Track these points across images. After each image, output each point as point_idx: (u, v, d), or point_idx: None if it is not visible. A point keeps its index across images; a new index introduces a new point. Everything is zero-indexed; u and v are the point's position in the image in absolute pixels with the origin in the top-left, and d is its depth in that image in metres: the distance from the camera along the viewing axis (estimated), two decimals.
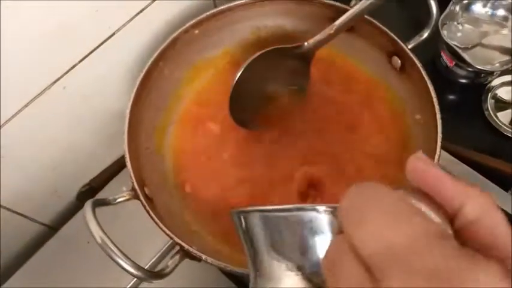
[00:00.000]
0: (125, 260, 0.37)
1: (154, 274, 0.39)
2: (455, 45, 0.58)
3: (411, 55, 0.48)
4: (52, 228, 0.59)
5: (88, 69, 0.50)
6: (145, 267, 0.38)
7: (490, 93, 0.61)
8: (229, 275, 0.52)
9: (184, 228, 0.47)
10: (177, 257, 0.41)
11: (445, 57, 0.61)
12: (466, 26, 0.59)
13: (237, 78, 0.49)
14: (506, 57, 0.57)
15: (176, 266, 0.41)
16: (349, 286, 0.17)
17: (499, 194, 0.52)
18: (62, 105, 0.51)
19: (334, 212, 0.20)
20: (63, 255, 0.54)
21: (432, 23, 0.50)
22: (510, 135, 0.58)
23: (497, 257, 0.16)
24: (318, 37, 0.49)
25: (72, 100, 0.51)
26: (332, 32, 0.48)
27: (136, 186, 0.43)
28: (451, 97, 0.63)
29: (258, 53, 0.49)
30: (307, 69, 0.52)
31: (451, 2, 0.59)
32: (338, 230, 0.20)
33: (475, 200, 0.18)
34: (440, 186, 0.18)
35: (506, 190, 0.53)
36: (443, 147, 0.44)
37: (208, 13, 0.52)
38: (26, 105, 0.47)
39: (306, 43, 0.49)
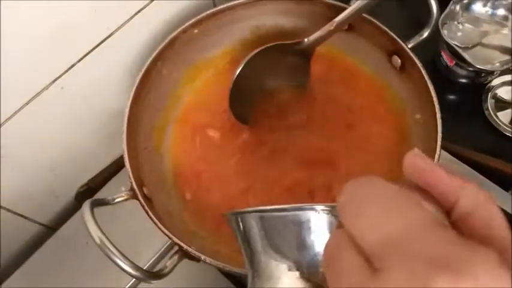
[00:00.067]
0: (124, 260, 0.37)
1: (152, 274, 0.39)
2: (455, 44, 0.58)
3: (411, 54, 0.48)
4: (50, 229, 0.59)
5: (86, 69, 0.50)
6: (144, 268, 0.38)
7: (490, 93, 0.60)
8: (228, 275, 0.52)
9: (183, 228, 0.46)
10: (176, 257, 0.41)
11: (445, 57, 0.61)
12: (466, 25, 0.59)
13: (237, 73, 0.49)
14: (507, 57, 0.57)
15: (175, 266, 0.41)
16: (349, 277, 0.17)
17: (499, 194, 0.52)
18: (60, 105, 0.51)
19: (332, 212, 0.20)
20: (62, 255, 0.54)
21: (432, 23, 0.49)
22: (510, 135, 0.58)
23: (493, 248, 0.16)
24: (318, 33, 0.49)
25: (70, 100, 0.51)
26: (332, 28, 0.48)
27: (135, 186, 0.43)
28: (451, 97, 0.63)
29: (258, 49, 0.49)
30: (308, 66, 0.52)
31: (451, 2, 0.58)
32: (337, 227, 0.20)
33: (471, 193, 0.18)
34: (437, 181, 0.18)
35: (507, 190, 0.53)
36: (443, 147, 0.44)
37: (207, 12, 0.52)
38: (24, 105, 0.46)
39: (306, 39, 0.49)
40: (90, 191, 0.60)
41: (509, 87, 0.61)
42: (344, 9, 0.48)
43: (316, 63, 0.52)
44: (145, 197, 0.43)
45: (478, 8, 0.60)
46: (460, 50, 0.57)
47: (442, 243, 0.16)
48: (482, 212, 0.18)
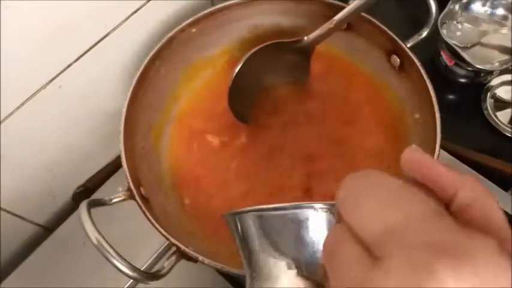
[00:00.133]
0: (121, 261, 0.36)
1: (150, 275, 0.39)
2: (454, 44, 0.57)
3: (410, 54, 0.48)
4: (47, 229, 0.59)
5: (83, 68, 0.49)
6: (142, 268, 0.38)
7: (489, 93, 0.60)
8: (226, 276, 0.51)
9: (181, 228, 0.46)
10: (174, 257, 0.41)
11: (445, 57, 0.61)
12: (466, 25, 0.59)
13: (236, 71, 0.49)
14: (506, 57, 0.57)
15: (173, 266, 0.41)
16: (350, 268, 0.17)
17: (499, 194, 0.52)
18: (58, 104, 0.50)
19: (331, 210, 0.20)
20: (59, 256, 0.54)
21: (431, 22, 0.49)
22: (509, 135, 0.58)
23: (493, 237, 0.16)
24: (318, 32, 0.49)
25: (67, 100, 0.51)
26: (332, 26, 0.48)
27: (132, 186, 0.42)
28: (451, 96, 0.63)
29: (258, 47, 0.49)
30: (307, 64, 0.52)
31: (450, 1, 0.58)
32: (336, 224, 0.20)
33: (470, 186, 0.18)
34: (435, 174, 0.19)
35: (506, 190, 0.53)
36: (442, 147, 0.43)
37: (205, 11, 0.52)
38: (21, 105, 0.46)
39: (305, 37, 0.49)
40: (87, 192, 0.59)
41: (509, 87, 0.61)
42: (343, 8, 0.48)
43: (315, 62, 0.52)
44: (142, 197, 0.43)
45: (477, 7, 0.59)
46: (459, 50, 0.57)
47: (441, 230, 0.16)
48: (481, 204, 0.18)
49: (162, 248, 0.52)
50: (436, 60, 0.63)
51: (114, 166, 0.59)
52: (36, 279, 0.53)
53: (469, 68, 0.59)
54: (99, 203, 0.41)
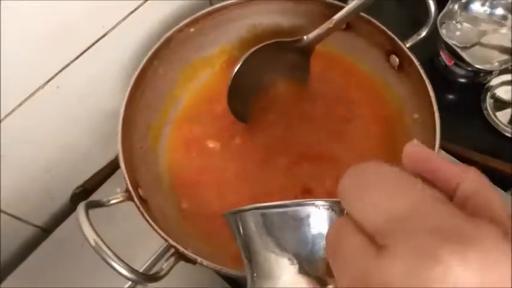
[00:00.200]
0: (119, 263, 0.36)
1: (148, 277, 0.39)
2: (454, 44, 0.57)
3: (409, 54, 0.48)
4: (45, 231, 0.59)
5: (82, 68, 0.49)
6: (140, 270, 0.38)
7: (488, 93, 0.60)
8: (225, 277, 0.51)
9: (180, 230, 0.46)
10: (172, 259, 0.41)
11: (444, 56, 0.60)
12: (465, 24, 0.59)
13: (235, 71, 0.49)
14: (505, 57, 0.57)
15: (171, 268, 0.40)
16: (355, 259, 0.17)
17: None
18: (56, 104, 0.50)
19: (332, 207, 0.20)
20: (57, 258, 0.54)
21: (430, 22, 0.49)
22: (509, 135, 0.58)
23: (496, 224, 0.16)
24: (318, 31, 0.49)
25: (66, 99, 0.51)
26: (331, 26, 0.48)
27: (130, 188, 0.42)
28: (450, 96, 0.63)
29: (257, 46, 0.49)
30: (307, 64, 0.52)
31: (450, 1, 0.58)
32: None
33: (472, 177, 0.18)
34: (437, 168, 0.19)
35: (506, 190, 0.53)
36: (441, 147, 0.43)
37: (204, 11, 0.51)
38: (20, 104, 0.46)
39: (305, 37, 0.49)
40: (85, 193, 0.59)
41: (508, 87, 0.61)
42: (341, 7, 0.47)
43: (314, 62, 0.52)
44: (140, 198, 0.43)
45: (476, 7, 0.59)
46: (458, 50, 0.57)
47: (446, 217, 0.16)
48: (483, 195, 0.18)
49: (161, 249, 0.52)
50: (436, 60, 0.63)
51: (112, 167, 0.59)
52: (34, 281, 0.52)
53: (469, 68, 0.59)
54: (97, 204, 0.41)
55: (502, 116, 0.59)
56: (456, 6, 0.59)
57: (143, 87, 0.50)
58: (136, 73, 0.48)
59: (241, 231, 0.23)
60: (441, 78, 0.62)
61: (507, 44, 0.57)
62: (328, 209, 0.20)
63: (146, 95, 0.50)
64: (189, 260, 0.40)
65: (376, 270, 0.16)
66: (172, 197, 0.49)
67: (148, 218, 0.41)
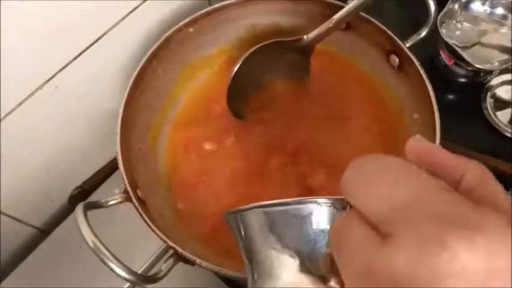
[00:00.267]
0: (118, 264, 0.36)
1: (147, 278, 0.39)
2: (454, 43, 0.57)
3: (409, 54, 0.48)
4: (44, 232, 0.58)
5: (81, 68, 0.49)
6: (139, 271, 0.38)
7: (489, 92, 0.60)
8: (224, 278, 0.51)
9: (178, 231, 0.46)
10: (171, 260, 0.41)
11: (444, 56, 0.60)
12: (465, 24, 0.59)
13: (235, 70, 0.49)
14: (506, 56, 0.57)
15: (170, 269, 0.40)
16: (359, 249, 0.17)
17: None
18: (55, 104, 0.50)
19: (335, 204, 0.20)
20: (55, 259, 0.53)
21: (431, 22, 0.49)
22: (509, 135, 0.58)
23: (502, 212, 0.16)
24: (317, 30, 0.49)
25: (64, 100, 0.51)
26: (331, 25, 0.48)
27: (128, 189, 0.42)
28: (450, 96, 0.63)
29: (257, 46, 0.49)
30: (307, 63, 0.52)
31: (450, 0, 0.58)
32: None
33: (476, 169, 0.18)
34: (441, 160, 0.19)
35: (506, 190, 0.52)
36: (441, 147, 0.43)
37: (203, 11, 0.51)
38: (19, 104, 0.46)
39: (305, 36, 0.49)
40: (84, 193, 0.59)
41: (508, 87, 0.61)
42: (341, 7, 0.47)
43: (314, 62, 0.52)
44: (139, 199, 0.43)
45: (476, 6, 0.59)
46: (458, 49, 0.57)
47: (451, 204, 0.16)
48: (487, 186, 0.18)
49: (159, 250, 0.52)
50: (436, 60, 0.63)
51: (111, 168, 0.59)
52: (32, 282, 0.52)
53: (469, 68, 0.59)
54: (96, 205, 0.41)
55: (502, 116, 0.59)
56: (456, 6, 0.59)
57: (142, 87, 0.49)
58: (135, 73, 0.48)
59: (242, 230, 0.23)
60: (441, 78, 0.62)
61: (507, 44, 0.57)
62: (330, 206, 0.20)
63: (145, 95, 0.50)
64: (187, 261, 0.40)
65: (382, 259, 0.15)
66: (170, 198, 0.49)
67: (147, 219, 0.41)
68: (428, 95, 0.45)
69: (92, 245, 0.36)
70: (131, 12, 0.50)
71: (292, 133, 0.52)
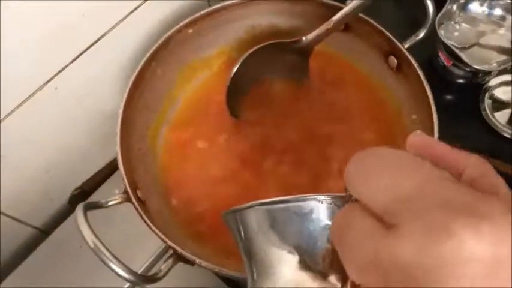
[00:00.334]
0: (118, 264, 0.36)
1: (147, 278, 0.39)
2: (452, 44, 0.57)
3: (408, 55, 0.48)
4: (44, 232, 0.58)
5: (80, 69, 0.49)
6: (139, 271, 0.38)
7: (487, 93, 0.60)
8: (224, 278, 0.51)
9: (178, 231, 0.46)
10: (171, 260, 0.41)
11: (442, 57, 0.60)
12: (463, 25, 0.59)
13: (234, 71, 0.49)
14: (504, 57, 0.57)
15: (170, 269, 0.40)
16: (364, 242, 0.16)
17: None
18: (55, 105, 0.50)
19: (335, 201, 0.20)
20: (55, 259, 0.53)
21: (429, 23, 0.49)
22: (507, 136, 0.58)
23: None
24: (316, 32, 0.49)
25: (64, 101, 0.51)
26: (330, 26, 0.48)
27: (128, 189, 0.42)
28: (448, 97, 0.63)
29: (256, 47, 0.49)
30: (306, 65, 0.52)
31: (448, 1, 0.58)
32: None
33: (478, 162, 0.18)
34: (442, 154, 0.19)
35: None
36: None
37: (202, 12, 0.51)
38: (19, 105, 0.46)
39: (304, 38, 0.49)
40: (83, 194, 0.59)
41: (507, 88, 0.61)
42: (340, 8, 0.48)
43: (313, 63, 0.52)
44: (139, 200, 0.43)
45: (474, 7, 0.59)
46: (457, 50, 0.57)
47: (456, 193, 0.16)
48: (489, 178, 0.18)
49: (159, 250, 0.52)
50: (434, 61, 0.63)
51: (110, 168, 0.59)
52: (33, 281, 0.52)
53: (467, 69, 0.59)
54: (96, 205, 0.41)
55: (501, 117, 0.59)
56: (455, 7, 0.59)
57: (142, 88, 0.50)
58: (135, 74, 0.48)
59: (242, 229, 0.23)
60: (439, 79, 0.62)
61: (505, 45, 0.57)
62: (330, 203, 0.20)
63: (145, 96, 0.50)
64: (187, 261, 0.40)
65: (387, 248, 0.15)
66: (168, 198, 0.49)
67: (146, 219, 0.41)
68: (427, 96, 0.45)
69: (92, 245, 0.36)
70: (132, 12, 0.50)
71: (290, 134, 0.52)
